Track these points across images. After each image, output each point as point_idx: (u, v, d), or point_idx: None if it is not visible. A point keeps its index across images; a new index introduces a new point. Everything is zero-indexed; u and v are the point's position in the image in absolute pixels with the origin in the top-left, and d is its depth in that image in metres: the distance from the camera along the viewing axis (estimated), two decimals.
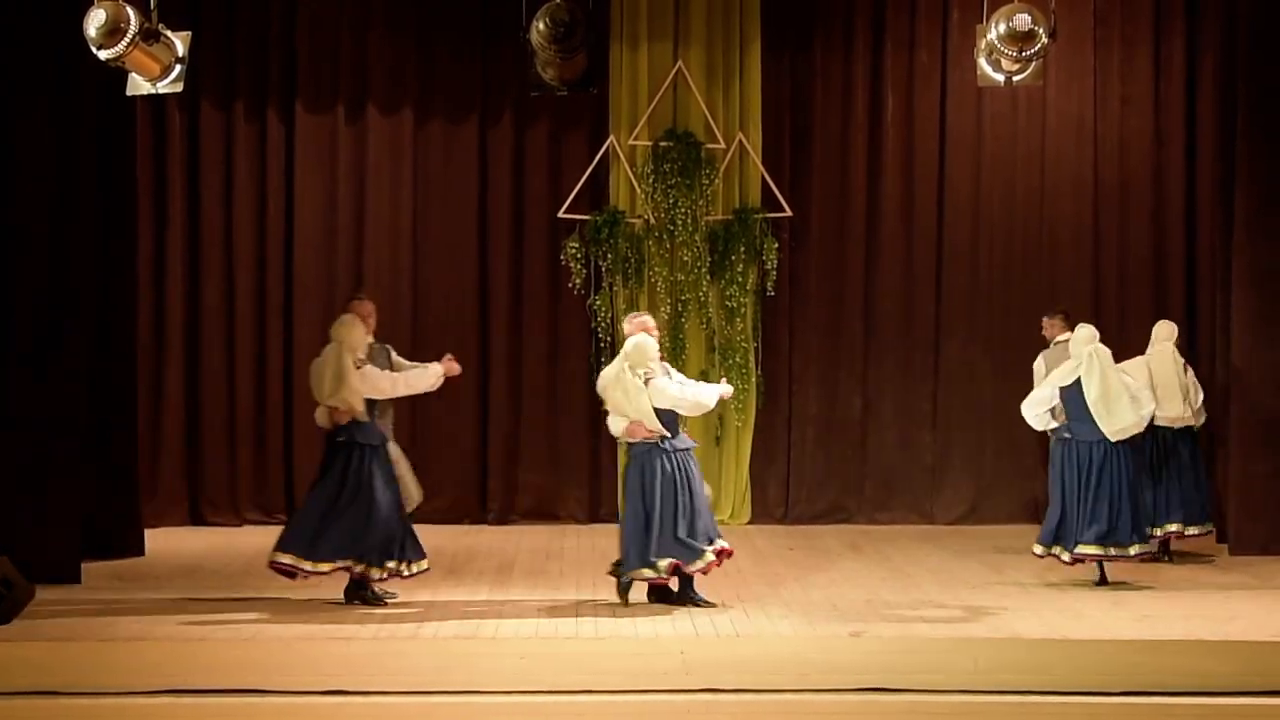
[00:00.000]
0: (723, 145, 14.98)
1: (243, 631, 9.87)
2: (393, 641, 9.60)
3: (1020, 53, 11.47)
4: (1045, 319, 12.99)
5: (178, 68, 11.05)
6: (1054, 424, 11.71)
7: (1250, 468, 12.94)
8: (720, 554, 10.64)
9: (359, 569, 10.65)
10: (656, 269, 14.95)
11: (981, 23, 11.84)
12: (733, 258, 14.89)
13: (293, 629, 9.93)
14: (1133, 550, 11.36)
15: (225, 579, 11.90)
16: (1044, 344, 12.86)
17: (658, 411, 10.59)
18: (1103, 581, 11.38)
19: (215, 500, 14.88)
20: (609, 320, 14.90)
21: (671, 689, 8.38)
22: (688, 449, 10.72)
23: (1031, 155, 15.12)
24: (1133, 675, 8.67)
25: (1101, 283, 15.04)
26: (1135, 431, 11.45)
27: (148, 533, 13.19)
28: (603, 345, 14.82)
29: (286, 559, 10.65)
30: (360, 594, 10.73)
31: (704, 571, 10.64)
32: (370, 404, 10.85)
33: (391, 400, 11.09)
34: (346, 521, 10.62)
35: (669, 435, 10.62)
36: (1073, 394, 11.47)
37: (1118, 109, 15.09)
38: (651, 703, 8.21)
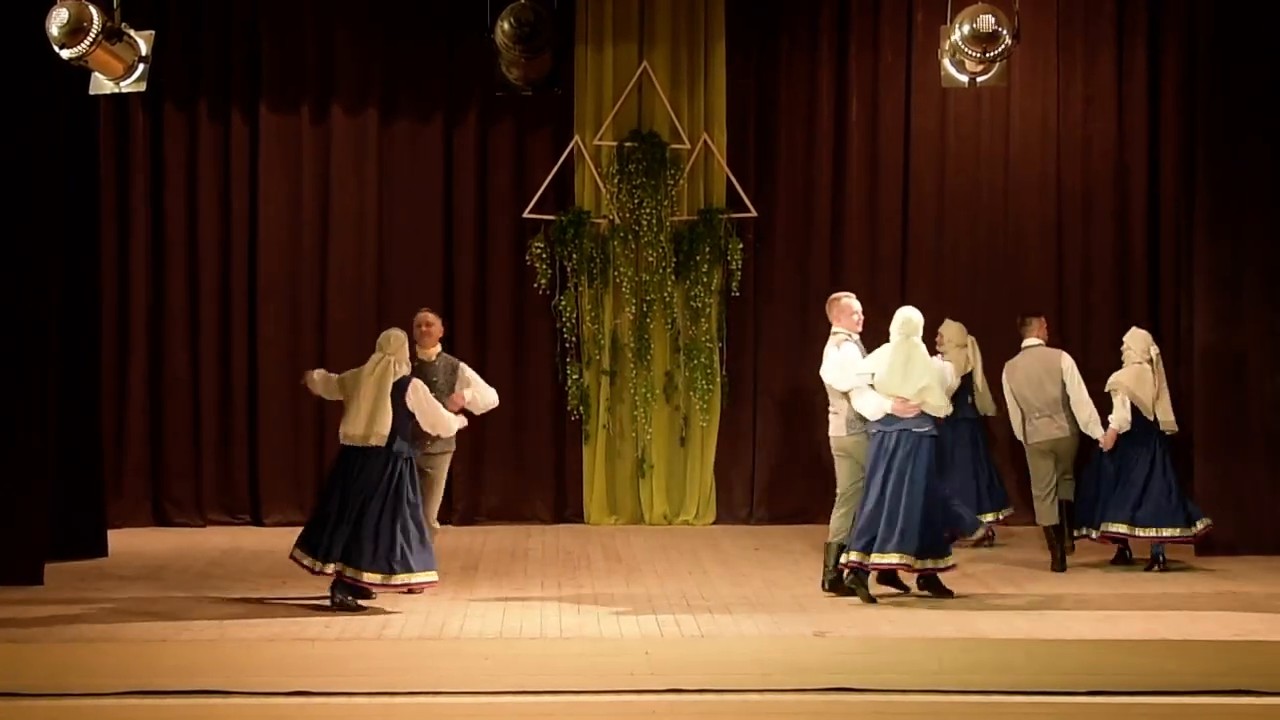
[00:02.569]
0: (688, 146, 14.98)
1: (206, 633, 9.81)
2: (356, 642, 9.56)
3: (984, 54, 11.50)
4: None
5: (141, 67, 11.02)
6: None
7: (1213, 467, 13.00)
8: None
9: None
10: (621, 269, 14.94)
11: (946, 24, 11.88)
12: (697, 258, 14.90)
13: (256, 630, 9.88)
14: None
15: (189, 580, 11.84)
16: (1012, 340, 12.83)
17: None
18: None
19: (179, 501, 14.81)
20: (574, 320, 14.89)
21: (636, 689, 8.40)
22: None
23: (995, 155, 15.16)
24: (1097, 675, 8.70)
25: (1065, 281, 15.09)
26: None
27: (111, 533, 13.13)
28: (568, 345, 14.82)
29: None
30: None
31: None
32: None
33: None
34: None
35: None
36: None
37: (1081, 109, 15.14)
38: (616, 703, 8.23)
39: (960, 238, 15.17)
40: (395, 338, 10.77)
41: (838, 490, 11.19)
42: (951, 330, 13.60)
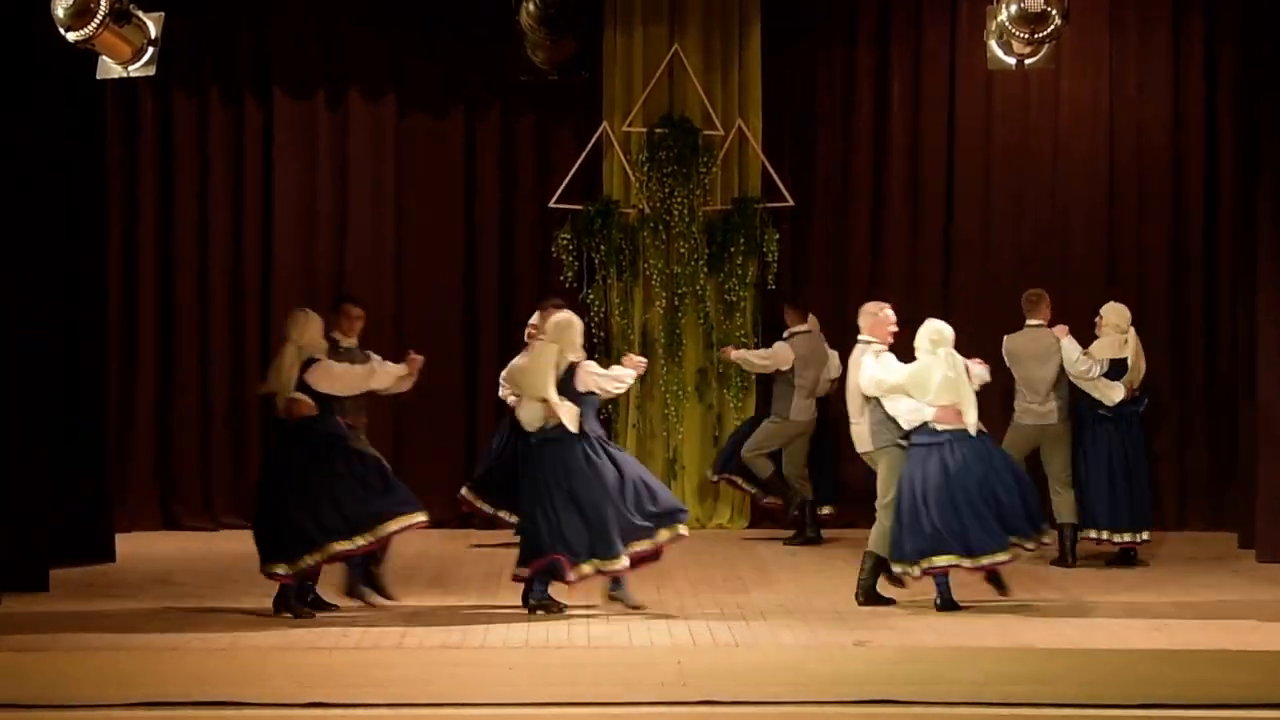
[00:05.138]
0: (721, 132, 14.99)
1: (218, 641, 9.85)
2: (375, 651, 9.60)
3: (1033, 35, 11.51)
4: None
5: (149, 50, 11.07)
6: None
7: (1275, 473, 12.93)
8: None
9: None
10: (652, 261, 14.96)
11: (992, 4, 11.86)
12: (732, 249, 14.91)
13: (270, 638, 9.93)
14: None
15: (200, 586, 11.89)
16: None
17: None
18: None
19: (189, 504, 14.88)
20: (602, 314, 14.91)
21: (667, 700, 8.39)
22: None
23: (1044, 142, 15.12)
24: (1149, 687, 8.67)
25: (1117, 274, 15.02)
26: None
27: (119, 538, 13.16)
28: (596, 341, 14.82)
29: None
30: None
31: None
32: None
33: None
34: None
35: None
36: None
37: (1134, 93, 15.09)
38: (647, 715, 8.22)
39: (1006, 228, 15.15)
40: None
41: (878, 502, 11.20)
42: (1114, 314, 13.41)
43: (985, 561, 10.77)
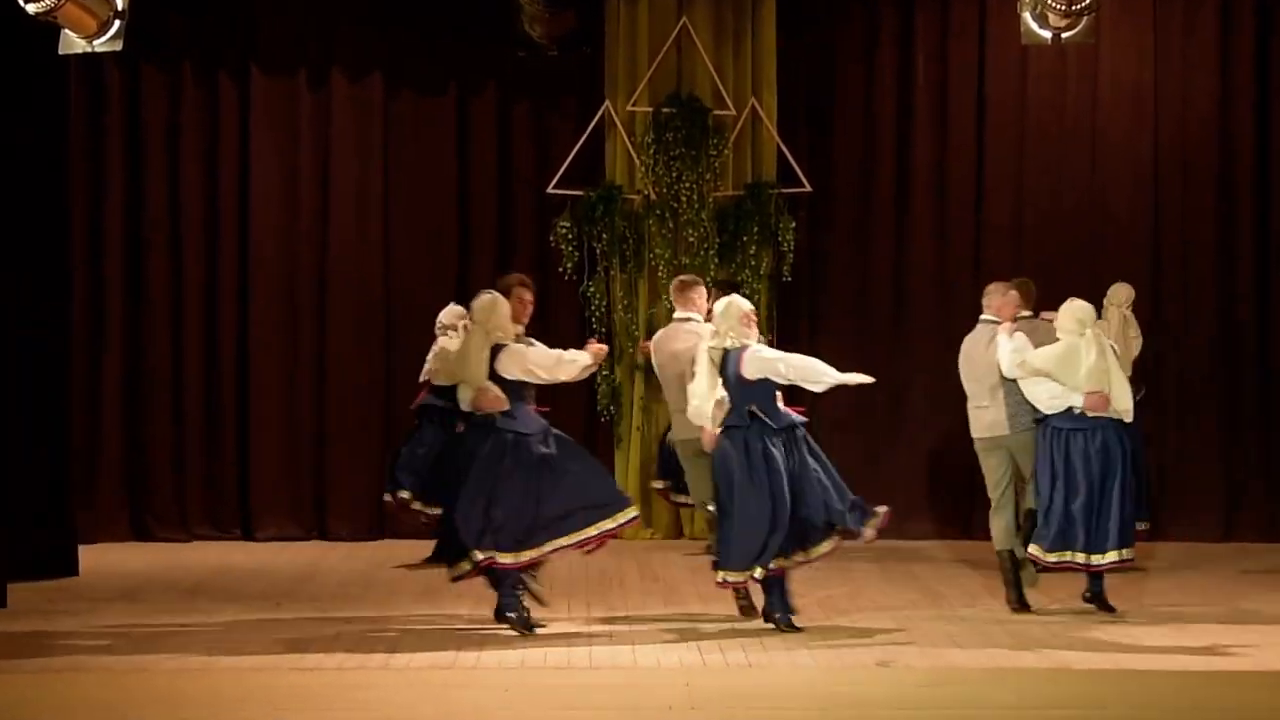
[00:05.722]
0: (733, 112, 14.96)
1: (191, 662, 9.79)
2: (360, 672, 9.54)
3: (1070, 7, 11.48)
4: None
5: (116, 23, 11.06)
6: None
7: None
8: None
9: None
10: (658, 251, 14.93)
11: None
12: (744, 239, 14.87)
13: (248, 659, 9.87)
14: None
15: (172, 601, 11.84)
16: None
17: None
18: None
19: (160, 513, 14.86)
20: (604, 309, 14.88)
21: None
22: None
23: (1081, 121, 15.10)
24: (1198, 712, 8.64)
25: (1161, 263, 15.02)
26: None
27: (83, 549, 13.13)
28: (600, 337, 14.73)
29: None
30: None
31: None
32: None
33: None
34: None
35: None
36: None
37: (1179, 67, 15.07)
38: None
39: (1041, 213, 15.14)
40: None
41: (993, 493, 11.45)
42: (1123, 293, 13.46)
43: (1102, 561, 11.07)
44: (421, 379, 12.92)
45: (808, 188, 14.99)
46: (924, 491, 15.12)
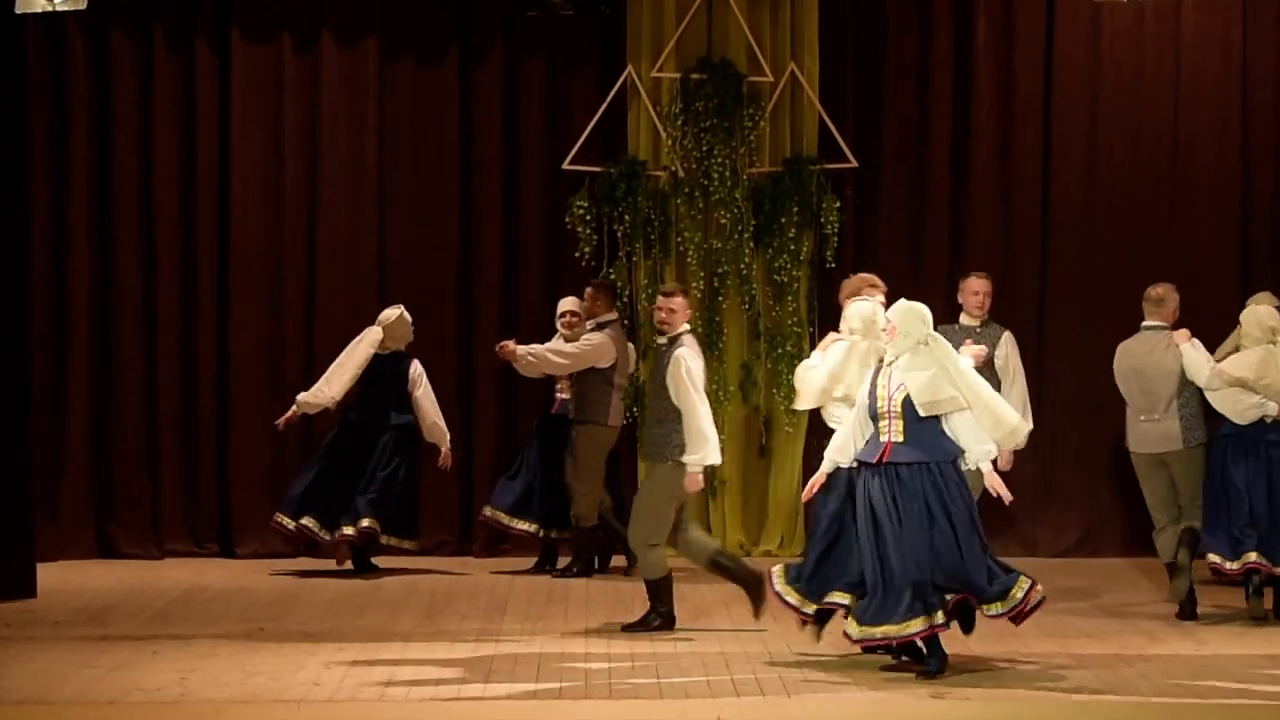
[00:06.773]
0: (770, 78, 15.00)
1: (165, 693, 9.80)
2: (353, 704, 9.56)
3: None
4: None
5: None
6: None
7: None
8: None
9: None
10: (686, 234, 14.95)
11: None
12: (783, 220, 14.90)
13: (227, 688, 9.88)
14: None
15: (142, 624, 11.87)
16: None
17: None
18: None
19: (130, 527, 14.92)
20: (626, 298, 14.87)
21: None
22: None
23: (1162, 87, 15.12)
24: None
25: (1250, 244, 15.04)
26: None
27: (43, 568, 13.20)
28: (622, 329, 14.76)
29: None
30: None
31: None
32: None
33: None
34: None
35: None
36: None
37: (1272, 28, 15.06)
38: None
39: (1115, 190, 15.15)
40: None
41: (1157, 513, 12.12)
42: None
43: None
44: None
45: (853, 163, 15.01)
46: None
